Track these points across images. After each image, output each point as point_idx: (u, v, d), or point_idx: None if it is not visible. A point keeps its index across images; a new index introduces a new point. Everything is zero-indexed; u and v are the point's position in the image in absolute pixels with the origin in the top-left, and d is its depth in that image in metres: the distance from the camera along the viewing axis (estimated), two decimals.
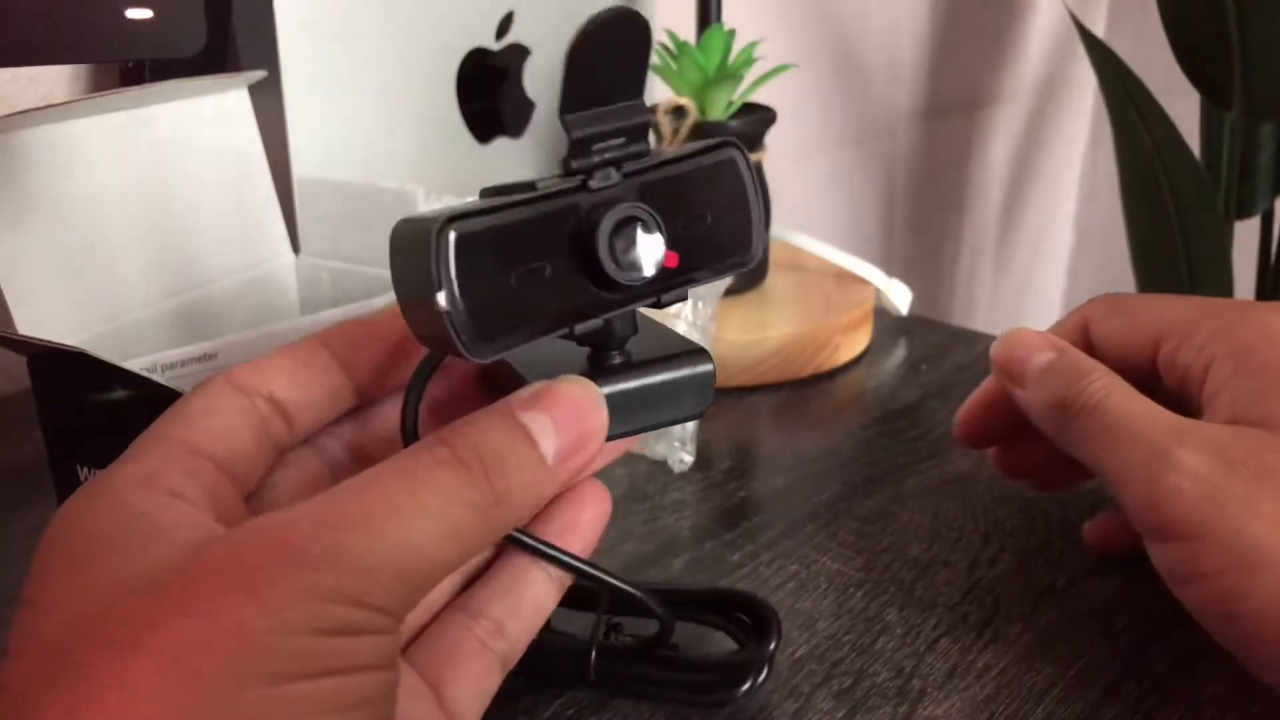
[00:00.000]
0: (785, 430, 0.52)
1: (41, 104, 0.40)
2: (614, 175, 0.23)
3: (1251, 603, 0.29)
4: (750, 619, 0.34)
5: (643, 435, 0.48)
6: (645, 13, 0.77)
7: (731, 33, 0.60)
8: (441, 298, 0.21)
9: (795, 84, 0.90)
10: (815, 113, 0.99)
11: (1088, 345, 0.38)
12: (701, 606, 0.35)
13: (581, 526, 0.28)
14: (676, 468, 0.47)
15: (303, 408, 0.25)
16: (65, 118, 0.37)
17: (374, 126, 0.55)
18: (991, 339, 0.39)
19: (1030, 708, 0.33)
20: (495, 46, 0.63)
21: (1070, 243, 1.45)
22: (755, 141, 0.60)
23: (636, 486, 0.46)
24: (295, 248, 0.47)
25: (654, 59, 0.61)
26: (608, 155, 0.23)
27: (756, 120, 0.60)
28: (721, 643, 0.35)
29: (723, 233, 0.25)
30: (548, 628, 0.29)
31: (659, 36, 0.63)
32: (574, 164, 0.23)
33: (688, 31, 0.65)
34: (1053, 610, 0.38)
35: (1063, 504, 0.44)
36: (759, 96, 0.62)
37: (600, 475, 0.47)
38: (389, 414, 0.28)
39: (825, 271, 0.65)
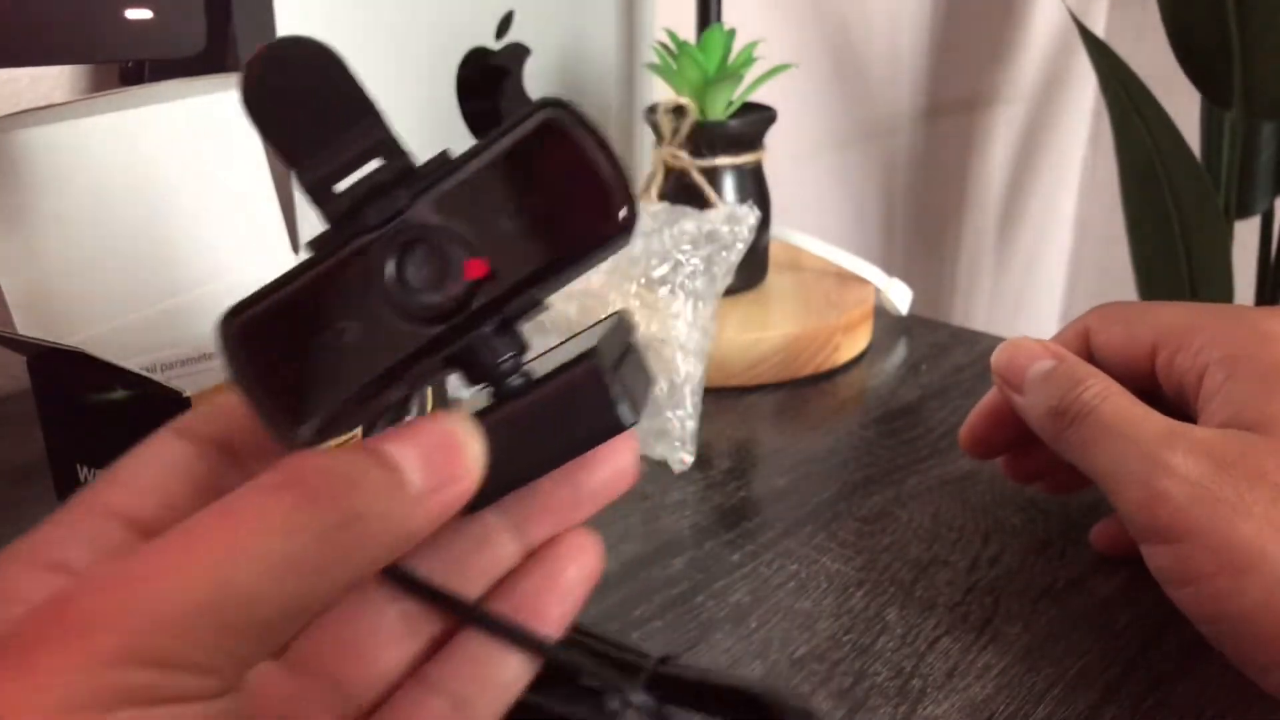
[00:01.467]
0: (785, 430, 0.52)
1: (41, 104, 0.40)
2: (400, 200, 0.20)
3: (1242, 603, 0.29)
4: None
5: (640, 433, 0.48)
6: (646, 12, 0.77)
7: (731, 32, 0.60)
8: (242, 395, 0.20)
9: (795, 84, 0.90)
10: (815, 113, 0.99)
11: (1088, 355, 0.38)
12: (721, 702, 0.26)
13: (560, 586, 0.23)
14: (676, 467, 0.47)
15: (254, 450, 0.22)
16: (65, 118, 0.37)
17: None
18: (992, 339, 0.39)
19: (1030, 708, 0.33)
20: (495, 46, 0.63)
21: (1070, 242, 1.45)
22: (755, 141, 0.60)
23: (636, 486, 0.46)
24: (295, 248, 0.47)
25: (653, 59, 0.61)
26: (370, 184, 0.20)
27: (756, 120, 0.60)
28: None
29: (565, 211, 0.20)
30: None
31: (659, 36, 0.63)
32: (325, 209, 0.20)
33: (688, 31, 0.65)
34: (1053, 610, 0.38)
35: (1063, 504, 0.44)
36: (759, 96, 0.62)
37: None
38: None
39: (825, 271, 0.65)
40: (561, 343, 0.25)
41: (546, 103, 0.20)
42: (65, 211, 0.37)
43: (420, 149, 0.21)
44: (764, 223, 0.61)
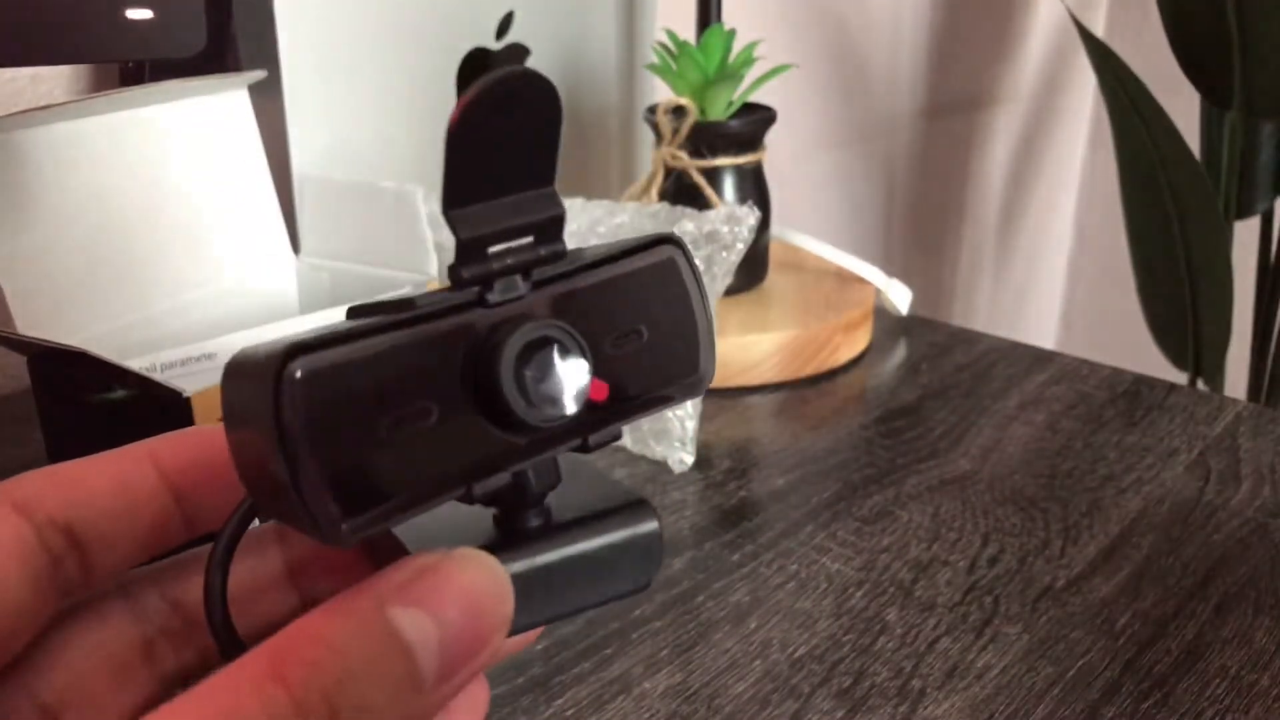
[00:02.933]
0: (785, 430, 0.52)
1: (42, 104, 0.40)
2: (520, 285, 0.17)
3: None
4: None
5: (640, 433, 0.48)
6: (646, 12, 0.77)
7: (731, 32, 0.60)
8: (282, 463, 0.15)
9: (795, 84, 0.90)
10: (815, 113, 0.99)
11: None
12: None
13: None
14: (676, 468, 0.47)
15: (110, 544, 0.18)
16: (65, 118, 0.37)
17: (374, 126, 0.55)
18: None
19: (1030, 708, 0.33)
20: (495, 46, 0.63)
21: (1070, 243, 1.45)
22: (755, 141, 0.60)
23: (637, 487, 0.46)
24: (295, 247, 0.47)
25: (653, 59, 0.61)
26: (510, 261, 0.17)
27: (756, 120, 0.60)
28: None
29: (662, 352, 0.19)
30: None
31: (659, 36, 0.63)
32: (465, 272, 0.17)
33: (688, 31, 0.65)
34: (1052, 610, 0.38)
35: (1063, 504, 0.44)
36: (759, 96, 0.62)
37: None
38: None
39: (825, 271, 0.65)
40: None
41: (668, 239, 0.19)
42: (65, 211, 0.37)
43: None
44: (764, 223, 0.61)
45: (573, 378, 0.17)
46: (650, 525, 0.19)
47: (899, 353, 0.61)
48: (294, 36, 0.50)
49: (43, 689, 0.18)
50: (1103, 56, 0.93)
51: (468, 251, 0.17)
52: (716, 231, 0.52)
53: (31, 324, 0.36)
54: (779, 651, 0.36)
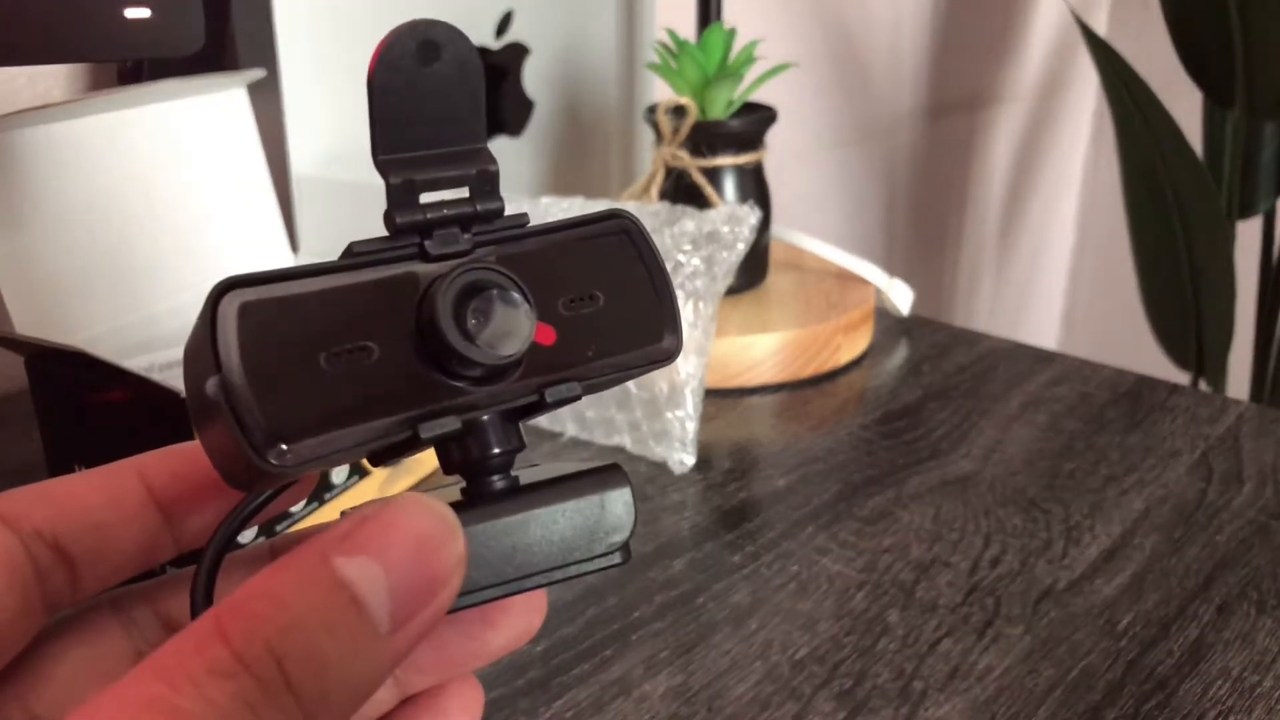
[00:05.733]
0: (786, 431, 0.52)
1: (40, 103, 0.40)
2: (461, 239, 0.18)
3: None
4: None
5: (640, 433, 0.48)
6: (646, 12, 0.77)
7: (732, 31, 0.60)
8: (212, 383, 0.15)
9: (796, 83, 0.90)
10: (816, 112, 0.99)
11: None
12: None
13: None
14: (676, 469, 0.47)
15: (97, 558, 0.18)
16: (64, 117, 0.37)
17: None
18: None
19: (1031, 709, 0.33)
20: (495, 45, 0.63)
21: (1072, 242, 1.45)
22: (755, 141, 0.60)
23: (636, 488, 0.46)
24: (294, 247, 0.47)
25: (654, 58, 0.61)
26: (446, 211, 0.18)
27: (757, 120, 0.60)
28: None
29: (621, 320, 0.19)
30: None
31: (659, 36, 0.62)
32: (399, 218, 0.17)
33: (688, 30, 0.65)
34: (1054, 612, 0.37)
35: (1064, 504, 0.44)
36: (759, 95, 0.61)
37: None
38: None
39: (826, 271, 0.65)
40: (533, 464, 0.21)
41: (618, 214, 0.20)
42: (64, 211, 0.37)
43: (499, 169, 0.20)
44: (764, 223, 0.61)
45: (515, 320, 0.17)
46: (620, 486, 0.19)
47: (900, 353, 0.60)
48: (292, 35, 0.50)
49: (34, 700, 0.18)
50: (1105, 55, 0.93)
51: (400, 197, 0.17)
52: (717, 231, 0.52)
53: (29, 324, 0.36)
54: (780, 653, 0.35)
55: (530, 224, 0.19)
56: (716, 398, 0.54)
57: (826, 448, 0.49)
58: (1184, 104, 0.95)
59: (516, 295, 0.17)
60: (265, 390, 0.16)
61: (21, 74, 0.54)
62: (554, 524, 0.18)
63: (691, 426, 0.47)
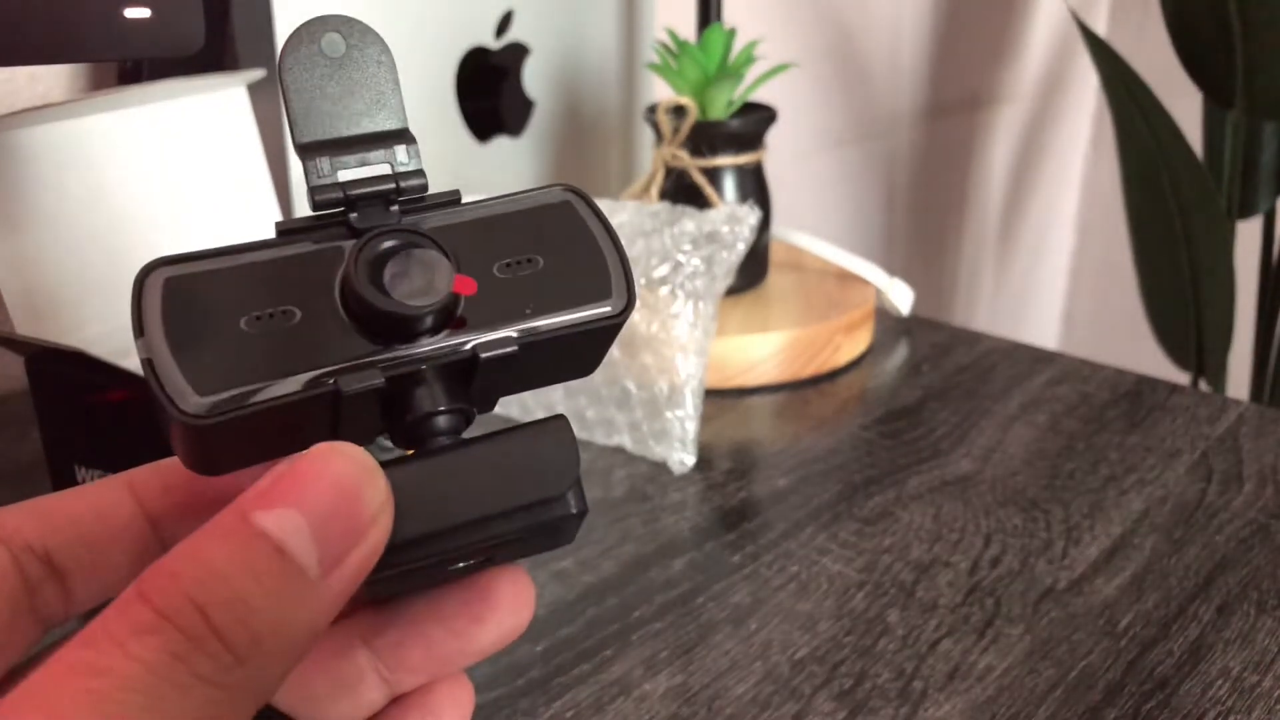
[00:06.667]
0: (786, 431, 0.52)
1: (39, 103, 0.40)
2: (388, 214, 0.19)
3: None
4: None
5: (640, 433, 0.48)
6: (646, 12, 0.77)
7: (732, 31, 0.60)
8: (139, 346, 0.17)
9: (796, 83, 0.90)
10: (816, 112, 0.99)
11: None
12: None
13: None
14: (677, 469, 0.47)
15: (89, 573, 0.18)
16: (64, 117, 0.37)
17: None
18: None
19: (1031, 709, 0.33)
20: (495, 45, 0.63)
21: (1072, 242, 1.45)
22: (755, 141, 0.60)
23: (637, 487, 0.46)
24: None
25: (654, 58, 0.61)
26: (368, 189, 0.18)
27: (757, 119, 0.60)
28: None
29: (565, 279, 0.19)
30: None
31: (659, 35, 0.62)
32: (319, 197, 0.18)
33: (688, 30, 0.65)
34: (1054, 611, 0.37)
35: (1064, 505, 0.44)
36: (759, 95, 0.61)
37: (601, 476, 0.47)
38: None
39: (826, 271, 0.65)
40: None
41: (562, 185, 0.20)
42: (64, 211, 0.37)
43: (419, 147, 0.20)
44: (764, 223, 0.61)
45: (430, 271, 0.18)
46: (560, 430, 0.19)
47: (900, 353, 0.60)
48: None
49: None
50: (1105, 55, 0.93)
51: (319, 176, 0.18)
52: (717, 231, 0.52)
53: (29, 324, 0.36)
54: (780, 653, 0.35)
55: (465, 201, 0.20)
56: (716, 398, 0.54)
57: (826, 448, 0.49)
58: (1184, 104, 0.95)
59: (432, 250, 0.18)
60: (183, 348, 0.17)
61: (21, 74, 0.54)
62: (487, 466, 0.18)
63: (691, 426, 0.47)
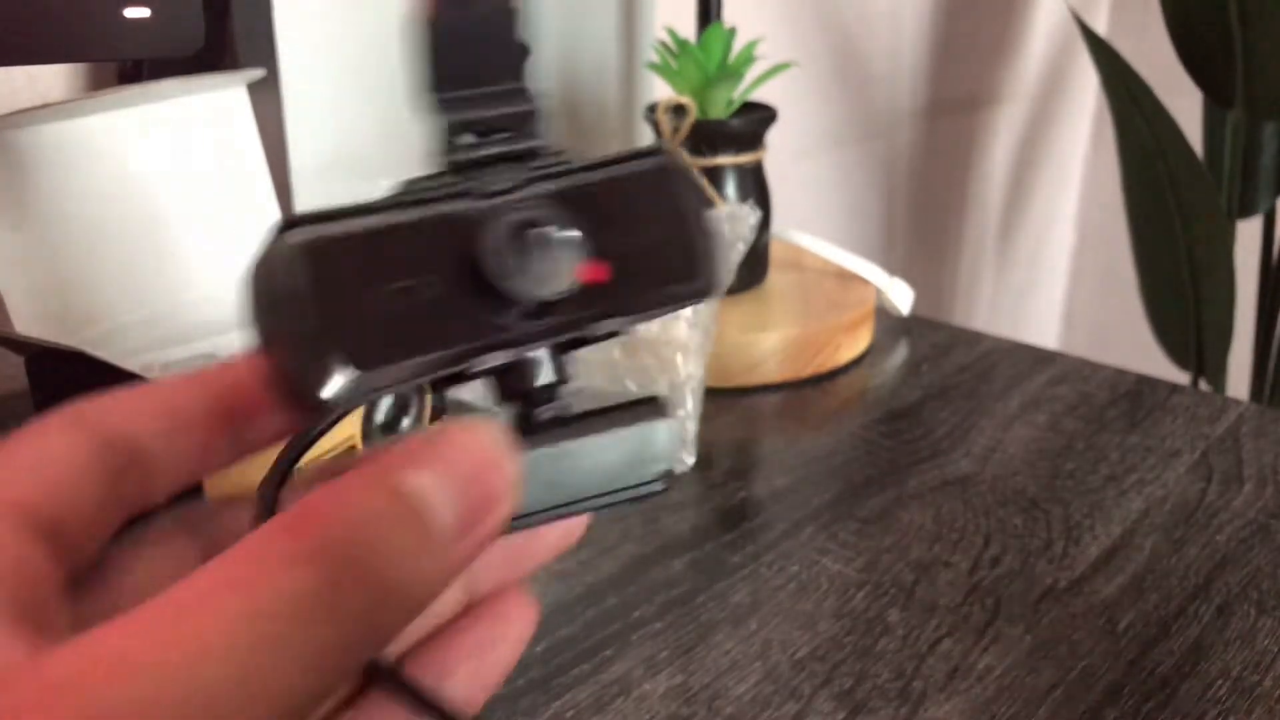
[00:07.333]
0: (785, 430, 0.52)
1: (39, 103, 0.40)
2: (508, 177, 0.19)
3: None
4: None
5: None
6: (646, 11, 0.77)
7: (732, 31, 0.60)
8: (283, 320, 0.17)
9: (796, 83, 0.89)
10: (816, 112, 0.99)
11: None
12: None
13: (501, 648, 0.21)
14: (677, 468, 0.47)
15: (168, 463, 0.19)
16: (64, 117, 0.37)
17: (373, 125, 0.55)
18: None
19: (1031, 709, 0.33)
20: None
21: (1072, 242, 1.45)
22: (755, 140, 0.60)
23: None
24: None
25: (654, 57, 0.61)
26: (494, 150, 0.19)
27: (757, 119, 0.60)
28: None
29: (658, 255, 0.20)
30: None
31: (659, 35, 0.62)
32: (451, 159, 0.18)
33: (688, 30, 0.65)
34: (1055, 611, 0.37)
35: (1064, 505, 0.44)
36: (759, 95, 0.61)
37: None
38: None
39: (826, 271, 0.65)
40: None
41: (659, 149, 0.20)
42: (64, 211, 0.37)
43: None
44: (764, 222, 0.61)
45: (564, 257, 0.18)
46: (664, 417, 0.20)
47: (900, 353, 0.60)
48: (292, 35, 0.50)
49: (109, 603, 0.18)
50: (1105, 55, 0.93)
51: (448, 136, 0.18)
52: None
53: (29, 324, 0.36)
54: (780, 653, 0.35)
55: (568, 161, 0.20)
56: (717, 397, 0.54)
57: (827, 448, 0.49)
58: (1184, 104, 0.95)
59: (566, 232, 0.18)
60: (335, 322, 0.17)
61: (21, 74, 0.54)
62: (600, 453, 0.19)
63: (691, 426, 0.47)
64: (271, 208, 0.46)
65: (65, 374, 0.35)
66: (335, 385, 0.17)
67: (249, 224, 0.45)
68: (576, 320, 0.19)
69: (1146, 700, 0.33)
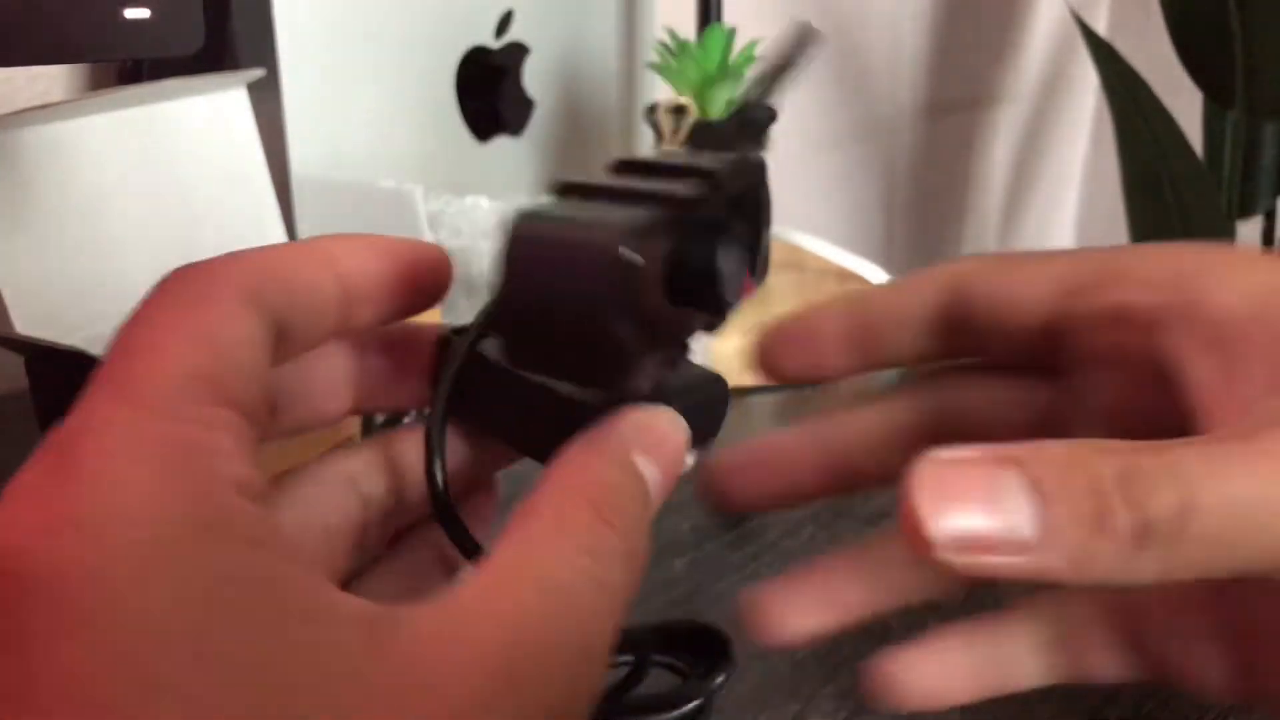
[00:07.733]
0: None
1: (39, 103, 0.40)
2: (708, 191, 0.21)
3: None
4: (703, 651, 0.32)
5: None
6: (646, 11, 0.76)
7: (732, 31, 0.60)
8: (625, 251, 0.18)
9: (796, 83, 0.90)
10: (816, 112, 0.99)
11: (959, 320, 0.26)
12: (647, 644, 0.31)
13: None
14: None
15: (301, 339, 0.20)
16: (63, 117, 0.37)
17: (373, 125, 0.55)
18: None
19: (1032, 710, 0.33)
20: (495, 45, 0.63)
21: (1072, 242, 1.45)
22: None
23: None
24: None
25: (654, 58, 0.61)
26: (702, 164, 0.22)
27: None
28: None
29: (750, 261, 0.22)
30: None
31: (659, 35, 0.63)
32: (713, 167, 0.22)
33: (688, 30, 0.65)
34: None
35: None
36: None
37: None
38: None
39: (826, 271, 0.65)
40: None
41: (755, 157, 0.23)
42: (63, 211, 0.37)
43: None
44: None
45: (736, 274, 0.21)
46: (725, 391, 0.25)
47: None
48: (292, 35, 0.50)
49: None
50: (1105, 55, 0.93)
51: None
52: None
53: (29, 324, 0.36)
54: (780, 653, 0.35)
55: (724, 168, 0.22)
56: None
57: None
58: (1184, 104, 0.95)
59: (738, 251, 0.21)
60: (633, 335, 0.19)
61: (21, 74, 0.54)
62: (705, 411, 0.24)
63: None
64: (271, 208, 0.46)
65: (65, 374, 0.35)
66: (635, 390, 0.20)
67: (249, 224, 0.45)
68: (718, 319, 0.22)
69: (1146, 700, 0.33)
